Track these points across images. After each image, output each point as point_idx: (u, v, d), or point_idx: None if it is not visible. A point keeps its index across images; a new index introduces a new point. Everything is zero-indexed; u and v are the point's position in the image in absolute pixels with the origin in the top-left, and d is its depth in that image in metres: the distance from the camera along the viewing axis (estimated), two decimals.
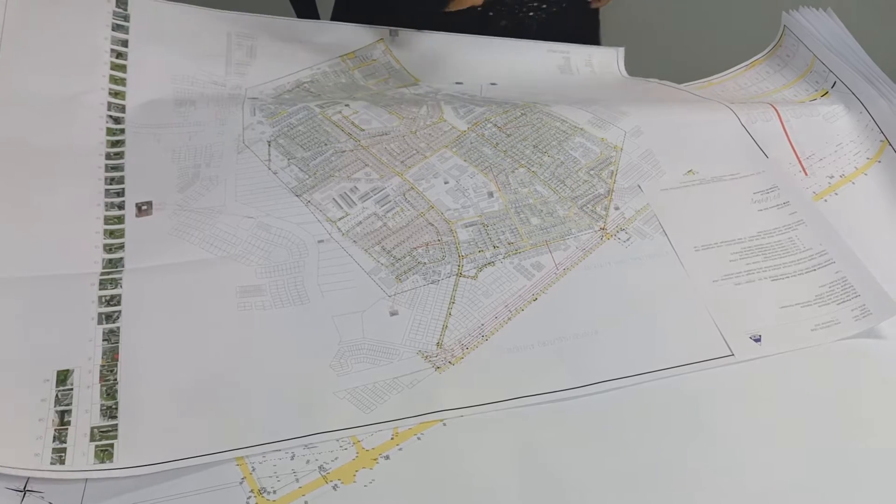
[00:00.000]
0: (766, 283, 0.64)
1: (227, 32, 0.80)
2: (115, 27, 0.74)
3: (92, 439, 0.51)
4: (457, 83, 0.85)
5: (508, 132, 0.73)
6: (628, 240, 0.65)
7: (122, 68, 0.73)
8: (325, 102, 0.76)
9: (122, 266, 0.61)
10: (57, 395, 0.53)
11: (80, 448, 0.51)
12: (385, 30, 0.87)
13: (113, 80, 0.72)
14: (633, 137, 0.73)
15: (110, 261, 0.62)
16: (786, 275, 0.64)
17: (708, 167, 0.71)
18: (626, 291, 0.62)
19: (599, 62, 0.93)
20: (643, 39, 1.16)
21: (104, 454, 0.51)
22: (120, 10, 0.75)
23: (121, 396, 0.54)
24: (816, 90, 0.81)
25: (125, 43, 0.74)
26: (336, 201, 0.67)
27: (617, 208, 0.67)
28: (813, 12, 0.84)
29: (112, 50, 0.73)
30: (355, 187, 0.68)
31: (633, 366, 0.58)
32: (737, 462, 0.53)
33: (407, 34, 0.87)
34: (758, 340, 0.59)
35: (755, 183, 0.71)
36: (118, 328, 0.58)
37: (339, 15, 1.03)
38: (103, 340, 0.57)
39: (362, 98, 0.77)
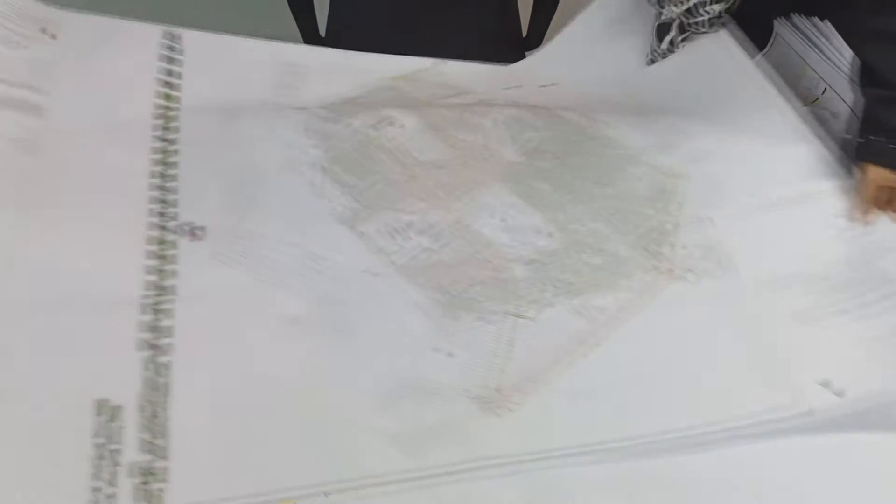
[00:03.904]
0: (846, 322, 0.60)
1: (276, 61, 0.79)
2: (167, 59, 0.74)
3: (143, 482, 0.50)
4: (510, 88, 0.82)
5: (565, 162, 0.70)
6: (695, 280, 0.62)
7: (174, 94, 0.73)
8: (376, 122, 0.73)
9: (173, 293, 0.60)
10: (106, 432, 0.51)
11: (127, 491, 0.49)
12: (430, 60, 0.85)
13: (164, 100, 0.72)
14: (696, 163, 0.69)
15: (159, 286, 0.60)
16: (868, 315, 0.60)
17: (778, 192, 0.67)
18: (693, 336, 0.60)
19: None
20: None
21: (155, 500, 0.49)
22: (167, 42, 0.75)
23: (170, 435, 0.52)
24: (807, 97, 0.77)
25: (179, 75, 0.74)
26: (387, 234, 0.65)
27: (683, 247, 0.64)
28: (804, 19, 0.81)
29: (163, 81, 0.73)
30: (408, 220, 0.66)
31: (703, 418, 0.55)
32: None
33: (454, 64, 0.85)
34: (838, 393, 0.56)
35: (833, 204, 0.66)
36: (168, 361, 0.56)
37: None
38: (153, 374, 0.55)
39: (413, 114, 0.75)
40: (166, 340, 0.57)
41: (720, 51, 0.77)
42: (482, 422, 0.55)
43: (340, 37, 1.06)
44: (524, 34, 1.09)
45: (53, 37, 0.71)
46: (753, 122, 0.72)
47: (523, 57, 1.02)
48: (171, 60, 0.74)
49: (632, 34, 0.83)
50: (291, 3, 1.05)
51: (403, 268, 0.63)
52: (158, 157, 0.68)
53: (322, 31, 1.09)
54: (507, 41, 1.07)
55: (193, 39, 0.75)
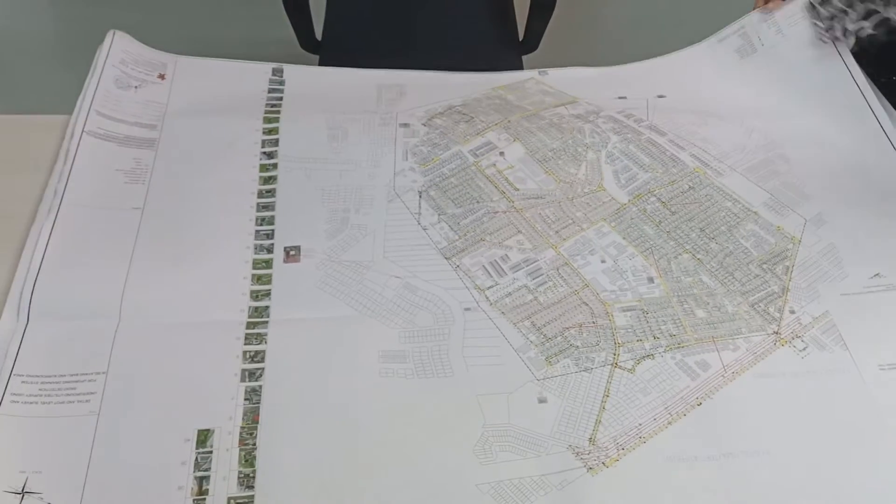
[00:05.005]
0: None
1: (376, 85, 0.79)
2: (272, 90, 0.77)
3: None
4: (619, 98, 0.80)
5: (673, 209, 0.68)
6: (804, 349, 0.59)
7: (275, 117, 0.74)
8: (476, 147, 0.72)
9: (268, 316, 0.59)
10: (196, 459, 0.51)
11: None
12: (534, 71, 0.84)
13: (267, 119, 0.73)
14: (813, 228, 0.66)
15: (256, 309, 0.60)
16: None
17: (894, 274, 0.64)
18: (802, 410, 0.56)
19: (784, 19, 0.82)
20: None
21: None
22: (276, 78, 0.79)
23: (259, 464, 0.52)
24: None
25: (279, 100, 0.76)
26: (486, 268, 0.63)
27: (792, 312, 0.61)
28: None
29: (268, 106, 0.75)
30: (506, 255, 0.64)
31: (816, 499, 0.52)
32: None
33: (557, 72, 0.83)
34: None
35: None
36: (260, 387, 0.55)
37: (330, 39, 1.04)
38: (245, 399, 0.55)
39: (516, 142, 0.72)
40: (259, 365, 0.56)
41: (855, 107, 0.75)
42: (579, 477, 0.53)
43: (337, 42, 1.05)
44: (521, 38, 1.07)
45: (162, 77, 0.76)
46: (874, 193, 0.69)
47: (520, 61, 1.02)
48: (274, 91, 0.77)
49: (761, 64, 0.81)
50: (288, 8, 1.04)
51: (498, 304, 0.61)
52: (262, 175, 0.68)
53: (318, 36, 1.08)
54: (504, 45, 1.06)
55: (293, 71, 0.80)
